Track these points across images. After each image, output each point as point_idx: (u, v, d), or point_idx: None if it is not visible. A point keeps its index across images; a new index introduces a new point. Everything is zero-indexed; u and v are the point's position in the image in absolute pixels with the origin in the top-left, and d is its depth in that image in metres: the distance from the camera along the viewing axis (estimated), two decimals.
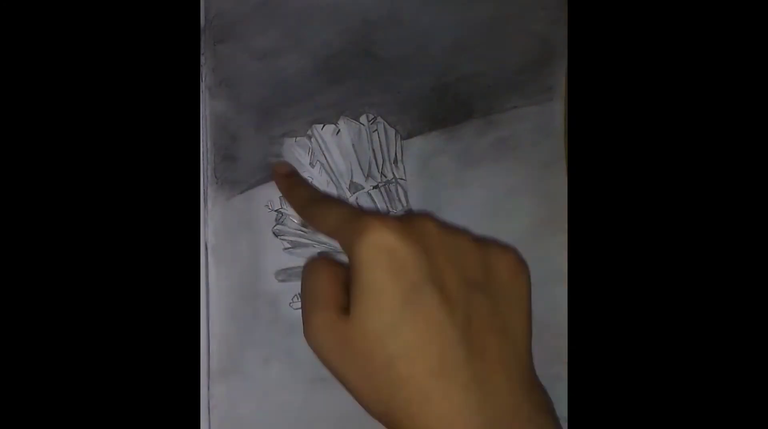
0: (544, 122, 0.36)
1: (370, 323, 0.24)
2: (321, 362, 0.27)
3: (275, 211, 0.36)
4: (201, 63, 0.35)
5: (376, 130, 0.36)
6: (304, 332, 0.27)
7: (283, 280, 0.36)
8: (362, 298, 0.24)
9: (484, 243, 0.28)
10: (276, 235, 0.36)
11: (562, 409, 0.37)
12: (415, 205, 0.36)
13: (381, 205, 0.36)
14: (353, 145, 0.36)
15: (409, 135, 0.36)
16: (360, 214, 0.26)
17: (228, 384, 0.35)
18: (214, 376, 0.35)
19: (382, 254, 0.24)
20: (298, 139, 0.36)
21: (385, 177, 0.36)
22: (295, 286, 0.36)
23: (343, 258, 0.33)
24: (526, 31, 0.36)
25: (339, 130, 0.36)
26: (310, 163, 0.35)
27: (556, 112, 0.36)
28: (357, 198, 0.35)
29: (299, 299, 0.36)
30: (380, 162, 0.36)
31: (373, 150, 0.36)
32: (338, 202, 0.33)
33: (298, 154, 0.36)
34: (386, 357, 0.24)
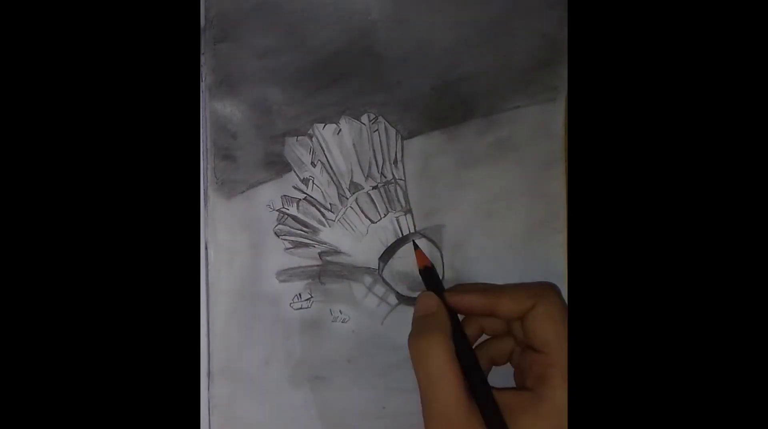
0: (545, 122, 0.35)
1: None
2: None
3: (277, 210, 0.36)
4: (201, 63, 0.35)
5: (377, 129, 0.36)
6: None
7: (284, 281, 0.36)
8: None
9: None
10: (277, 235, 0.36)
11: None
12: (414, 205, 0.36)
13: (380, 205, 0.36)
14: (354, 144, 0.35)
15: (410, 134, 0.36)
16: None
17: (228, 384, 0.35)
18: (215, 377, 0.35)
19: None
20: (299, 138, 0.35)
21: (385, 177, 0.35)
22: (296, 286, 0.36)
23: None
24: (533, 30, 0.35)
25: (340, 130, 0.35)
26: (311, 163, 0.35)
27: (558, 112, 0.36)
28: (357, 198, 0.35)
29: (300, 299, 0.36)
30: (380, 162, 0.36)
31: (374, 150, 0.36)
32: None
33: (299, 153, 0.35)
34: None
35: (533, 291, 0.29)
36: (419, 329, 0.29)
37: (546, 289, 0.29)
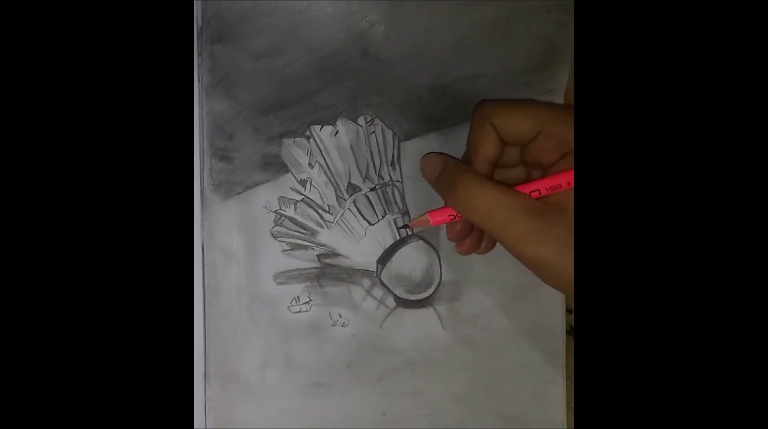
0: None
1: None
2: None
3: (273, 212, 0.35)
4: (198, 63, 0.34)
5: (374, 131, 0.35)
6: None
7: (281, 283, 0.36)
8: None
9: None
10: (274, 236, 0.35)
11: (557, 413, 0.37)
12: (411, 207, 0.36)
13: (378, 207, 0.35)
14: (351, 146, 0.35)
15: (407, 136, 0.36)
16: None
17: (225, 388, 0.35)
18: (211, 380, 0.35)
19: None
20: (296, 139, 0.35)
21: (382, 179, 0.35)
22: (294, 288, 0.36)
23: (345, 260, 0.34)
24: (529, 32, 0.35)
25: (337, 132, 0.35)
26: (309, 164, 0.35)
27: None
28: (354, 200, 0.35)
29: (298, 302, 0.36)
30: (377, 164, 0.35)
31: (371, 151, 0.35)
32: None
33: (296, 154, 0.35)
34: None
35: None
36: (446, 186, 0.30)
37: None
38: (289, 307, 0.35)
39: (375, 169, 0.35)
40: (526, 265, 0.28)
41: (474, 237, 0.33)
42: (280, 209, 0.35)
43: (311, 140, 0.35)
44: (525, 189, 0.29)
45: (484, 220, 0.28)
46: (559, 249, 0.27)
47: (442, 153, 0.33)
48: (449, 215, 0.31)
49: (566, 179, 0.29)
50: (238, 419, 0.35)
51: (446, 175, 0.31)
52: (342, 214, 0.35)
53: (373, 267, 0.36)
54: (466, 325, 0.36)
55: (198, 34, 0.34)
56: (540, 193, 0.29)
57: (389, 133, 0.36)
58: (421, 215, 0.31)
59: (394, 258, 0.35)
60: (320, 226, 0.35)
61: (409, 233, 0.36)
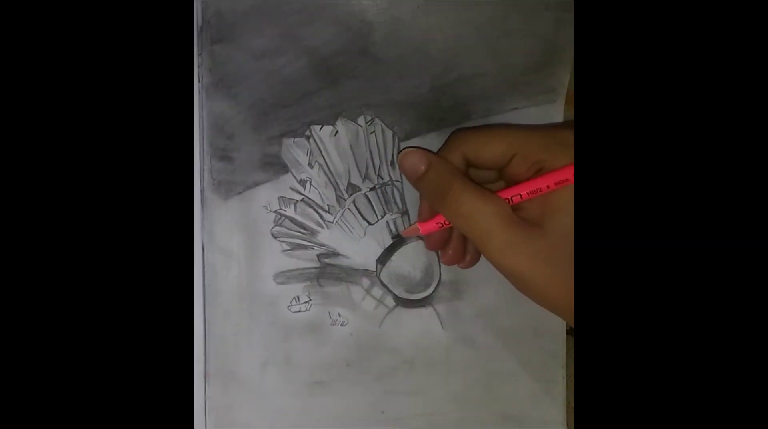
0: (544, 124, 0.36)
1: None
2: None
3: (273, 212, 0.35)
4: (198, 63, 0.35)
5: (374, 131, 0.35)
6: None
7: (281, 283, 0.36)
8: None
9: None
10: (275, 236, 0.35)
11: (557, 412, 0.37)
12: (411, 206, 0.36)
13: (377, 207, 0.36)
14: (351, 146, 0.35)
15: (407, 136, 0.36)
16: None
17: (225, 387, 0.35)
18: (211, 379, 0.35)
19: None
20: (296, 139, 0.35)
21: (382, 179, 0.35)
22: (294, 288, 0.36)
23: (344, 261, 0.34)
24: (530, 31, 0.35)
25: (337, 132, 0.35)
26: (309, 164, 0.35)
27: (556, 113, 0.36)
28: (354, 199, 0.35)
29: (298, 302, 0.36)
30: (377, 164, 0.35)
31: (371, 151, 0.35)
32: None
33: (296, 154, 0.35)
34: None
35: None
36: (434, 188, 0.30)
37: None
38: (288, 306, 0.36)
39: (375, 169, 0.35)
40: (502, 273, 0.29)
41: (455, 246, 0.33)
42: (280, 209, 0.35)
43: (311, 140, 0.35)
44: (507, 193, 0.30)
45: (466, 226, 0.29)
46: (532, 264, 0.28)
47: (422, 149, 0.33)
48: (437, 223, 0.31)
49: (546, 183, 0.29)
50: (238, 419, 0.35)
51: (434, 176, 0.31)
52: (342, 214, 0.35)
53: (372, 266, 0.36)
54: (465, 325, 0.36)
55: (198, 34, 0.34)
56: (521, 198, 0.30)
57: (389, 133, 0.36)
58: (412, 225, 0.32)
59: (393, 257, 0.35)
60: (320, 225, 0.35)
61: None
